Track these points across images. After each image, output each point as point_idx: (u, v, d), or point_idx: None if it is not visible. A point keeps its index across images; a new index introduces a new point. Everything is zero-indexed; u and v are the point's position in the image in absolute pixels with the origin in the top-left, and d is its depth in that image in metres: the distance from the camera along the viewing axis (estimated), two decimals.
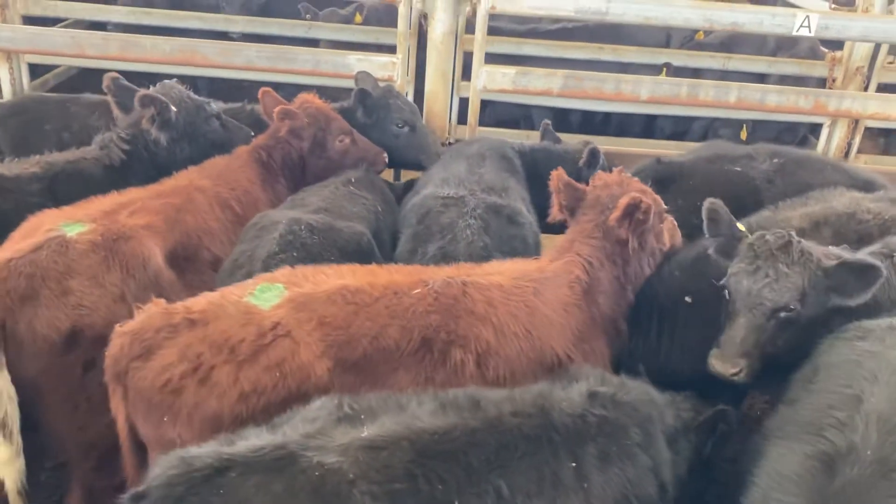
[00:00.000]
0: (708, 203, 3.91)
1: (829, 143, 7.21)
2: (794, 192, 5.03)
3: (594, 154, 5.37)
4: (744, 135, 9.40)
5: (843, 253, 3.69)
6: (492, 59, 6.02)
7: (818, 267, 3.58)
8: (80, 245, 3.66)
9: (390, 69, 5.92)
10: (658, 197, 3.99)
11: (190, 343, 3.03)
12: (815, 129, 9.00)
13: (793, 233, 3.69)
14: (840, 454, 2.75)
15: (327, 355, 3.12)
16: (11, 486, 3.49)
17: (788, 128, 9.71)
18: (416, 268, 3.68)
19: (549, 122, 5.90)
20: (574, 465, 2.83)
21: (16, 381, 3.43)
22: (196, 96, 5.01)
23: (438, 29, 5.69)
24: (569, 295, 3.69)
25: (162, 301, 3.21)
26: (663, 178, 5.23)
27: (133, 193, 4.25)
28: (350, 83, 6.81)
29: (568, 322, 3.64)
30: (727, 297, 3.72)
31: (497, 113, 9.15)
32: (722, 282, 3.76)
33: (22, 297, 3.43)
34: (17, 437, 3.42)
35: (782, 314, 3.57)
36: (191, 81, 5.20)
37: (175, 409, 2.99)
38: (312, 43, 9.11)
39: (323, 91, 5.41)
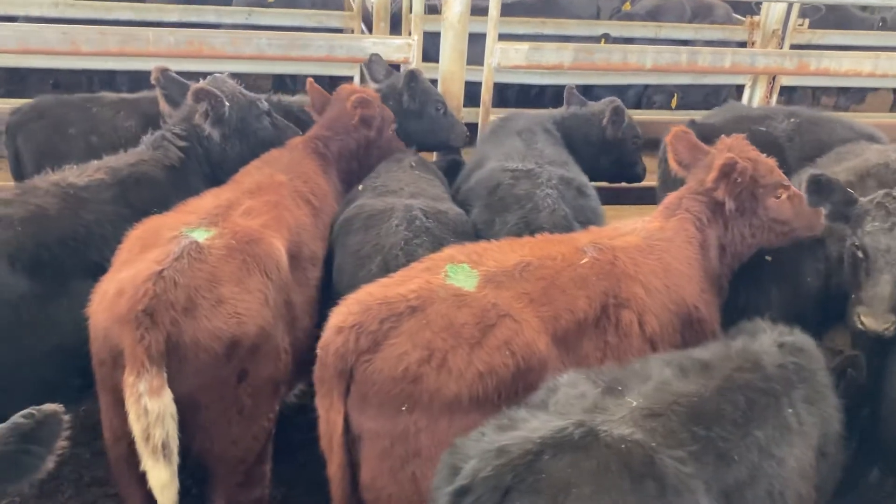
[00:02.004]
0: (811, 175, 4.03)
1: (752, 102, 7.79)
2: (811, 149, 5.39)
3: (616, 111, 5.59)
4: (674, 102, 9.98)
5: None
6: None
7: None
8: (216, 250, 3.48)
9: (406, 51, 5.88)
10: (777, 169, 4.12)
11: (416, 330, 3.03)
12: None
13: None
14: None
15: (544, 331, 3.20)
16: None
17: (713, 91, 10.39)
18: (561, 237, 3.78)
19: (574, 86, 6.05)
20: (791, 410, 3.01)
21: None
22: (248, 92, 4.80)
23: (455, 8, 5.67)
24: (689, 249, 3.89)
25: (371, 291, 3.17)
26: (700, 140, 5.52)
27: (226, 192, 4.09)
28: None
29: (692, 274, 3.84)
30: (861, 256, 3.87)
31: None
32: (853, 242, 3.94)
33: (184, 308, 3.24)
34: (176, 460, 3.23)
35: None
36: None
37: (415, 396, 2.98)
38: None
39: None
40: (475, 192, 4.60)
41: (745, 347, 3.16)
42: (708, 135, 5.52)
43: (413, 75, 5.40)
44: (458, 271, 3.26)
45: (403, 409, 3.00)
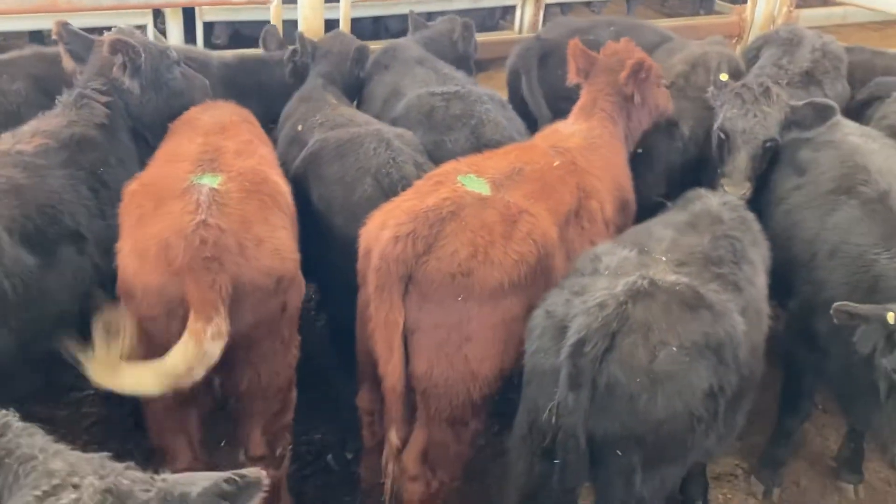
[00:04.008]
0: None
1: (523, 21, 8.76)
2: (562, 46, 6.14)
3: (466, 27, 6.22)
4: None
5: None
6: None
7: (788, 106, 4.80)
8: (235, 194, 3.59)
9: None
10: (655, 63, 4.91)
11: (459, 231, 3.48)
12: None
13: (769, 81, 4.92)
14: (882, 195, 4.13)
15: (553, 222, 3.76)
16: None
17: (488, 13, 11.20)
18: (526, 145, 4.34)
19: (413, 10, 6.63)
20: (747, 250, 3.81)
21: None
22: (157, 42, 4.72)
23: None
24: (615, 143, 4.65)
25: (410, 203, 3.56)
26: (544, 54, 6.24)
27: (196, 136, 4.13)
28: None
29: (622, 164, 4.63)
30: (724, 136, 4.81)
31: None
32: (717, 126, 4.87)
33: (238, 251, 3.36)
34: None
35: (768, 144, 4.75)
36: None
37: (468, 287, 3.43)
38: None
39: None
40: (409, 118, 4.89)
41: (705, 208, 3.93)
42: (550, 48, 6.31)
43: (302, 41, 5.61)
44: (471, 180, 3.70)
45: (459, 299, 3.44)
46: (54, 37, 4.62)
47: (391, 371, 3.55)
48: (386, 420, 3.75)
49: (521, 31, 8.97)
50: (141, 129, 4.59)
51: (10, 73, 4.87)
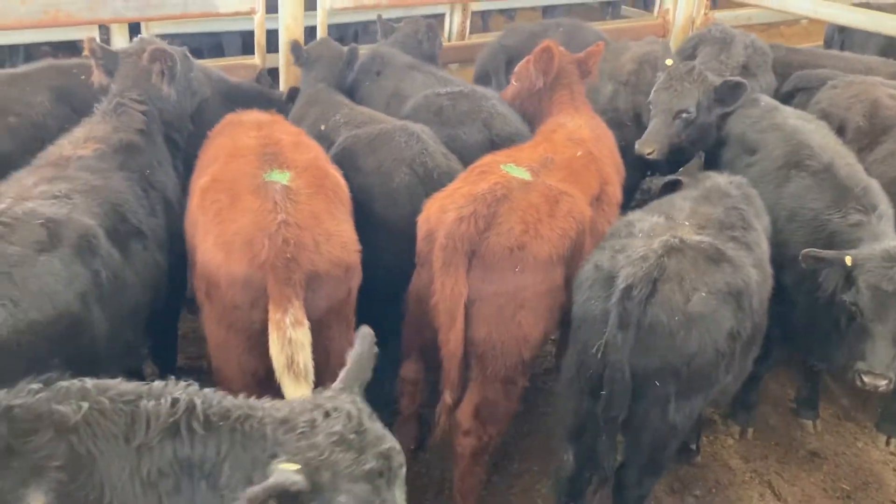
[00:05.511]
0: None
1: (451, 28, 9.32)
2: (579, 48, 6.81)
3: (430, 28, 6.76)
4: None
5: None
6: None
7: (710, 85, 5.53)
8: (305, 190, 3.95)
9: (252, 1, 6.26)
10: None
11: (511, 211, 3.99)
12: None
13: (696, 63, 5.69)
14: (827, 166, 4.87)
15: (587, 203, 4.32)
16: None
17: None
18: (546, 137, 4.87)
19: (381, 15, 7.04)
20: (752, 219, 4.40)
21: None
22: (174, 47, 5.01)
23: None
24: (608, 131, 5.30)
25: (466, 188, 4.03)
26: (509, 57, 6.83)
27: (251, 131, 4.46)
28: None
29: (616, 149, 5.24)
30: (650, 108, 5.56)
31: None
32: (647, 101, 5.62)
33: (313, 247, 3.71)
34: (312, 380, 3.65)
35: (683, 115, 5.47)
36: None
37: (524, 260, 3.95)
38: None
39: None
40: (418, 118, 5.21)
41: (715, 185, 4.57)
42: (513, 53, 6.91)
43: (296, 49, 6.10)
44: (512, 168, 4.22)
45: (516, 270, 3.95)
46: (86, 53, 4.83)
47: (453, 338, 3.97)
48: (442, 382, 4.17)
49: (450, 38, 9.41)
50: (171, 132, 4.90)
51: (32, 87, 5.05)
